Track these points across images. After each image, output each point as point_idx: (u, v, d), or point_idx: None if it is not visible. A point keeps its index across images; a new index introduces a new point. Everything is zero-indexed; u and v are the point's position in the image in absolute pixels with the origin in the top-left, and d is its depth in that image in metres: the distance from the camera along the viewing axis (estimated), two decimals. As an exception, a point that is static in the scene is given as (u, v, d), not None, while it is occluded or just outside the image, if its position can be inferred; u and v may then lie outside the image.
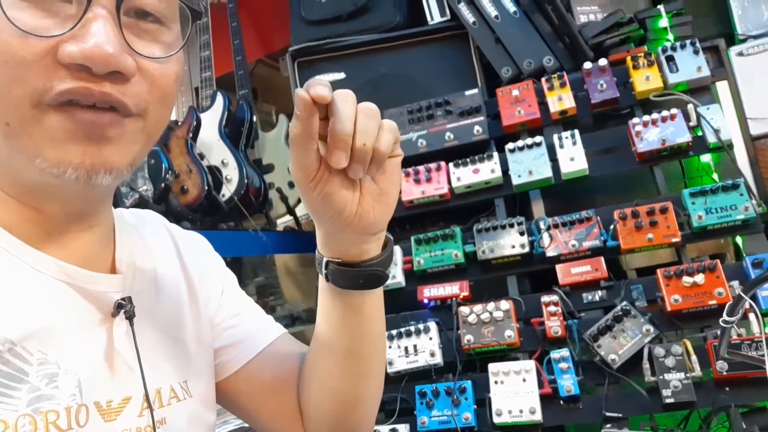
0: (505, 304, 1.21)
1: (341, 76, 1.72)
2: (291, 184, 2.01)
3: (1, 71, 0.44)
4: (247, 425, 0.88)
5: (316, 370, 0.68)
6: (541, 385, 1.12)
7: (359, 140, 0.51)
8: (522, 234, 1.27)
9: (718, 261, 1.10)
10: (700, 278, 1.08)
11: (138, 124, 0.50)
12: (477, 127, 1.44)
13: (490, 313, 1.20)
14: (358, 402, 0.69)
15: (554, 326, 1.16)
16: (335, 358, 0.66)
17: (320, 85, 0.49)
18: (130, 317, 0.56)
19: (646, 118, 1.27)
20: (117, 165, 0.49)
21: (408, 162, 1.46)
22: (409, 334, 1.25)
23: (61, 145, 0.46)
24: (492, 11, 1.54)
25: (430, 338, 1.23)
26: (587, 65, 1.37)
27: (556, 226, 1.26)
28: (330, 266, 0.60)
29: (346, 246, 0.59)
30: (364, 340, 0.65)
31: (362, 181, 0.55)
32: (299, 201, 2.02)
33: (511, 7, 1.53)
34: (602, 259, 1.21)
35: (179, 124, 1.84)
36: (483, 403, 1.15)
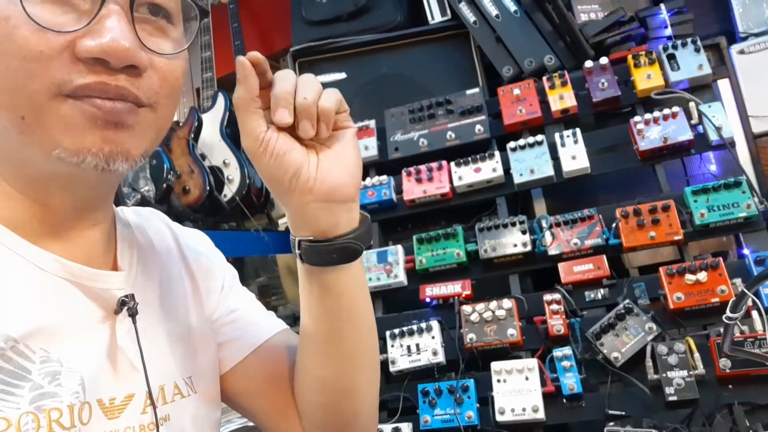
0: (507, 303, 1.21)
1: (342, 76, 1.72)
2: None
3: (19, 66, 0.45)
4: (251, 425, 0.88)
5: (303, 361, 0.67)
6: (543, 383, 1.12)
7: (300, 94, 0.54)
8: (524, 233, 1.27)
9: (721, 259, 1.09)
10: (702, 276, 1.08)
11: (150, 115, 0.51)
12: (478, 126, 1.44)
13: (493, 312, 1.20)
14: (348, 391, 0.67)
15: (557, 324, 1.16)
16: (318, 345, 0.65)
17: (255, 54, 0.54)
18: (132, 314, 0.56)
19: (647, 116, 1.27)
20: (133, 152, 0.50)
21: (410, 161, 1.46)
22: (411, 333, 1.25)
23: (79, 132, 0.47)
24: (493, 10, 1.54)
25: (433, 337, 1.23)
26: (588, 64, 1.37)
27: (558, 224, 1.26)
28: (302, 245, 0.59)
29: (316, 220, 0.58)
30: (346, 323, 0.64)
31: (318, 148, 0.58)
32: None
33: (512, 6, 1.53)
34: (604, 257, 1.21)
35: (180, 124, 1.84)
36: (486, 401, 1.15)
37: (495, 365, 1.16)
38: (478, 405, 1.15)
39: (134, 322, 0.56)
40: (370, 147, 1.51)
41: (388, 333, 1.26)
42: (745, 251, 1.15)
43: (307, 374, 0.67)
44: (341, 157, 0.58)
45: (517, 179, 1.34)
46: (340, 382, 0.66)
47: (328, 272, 0.60)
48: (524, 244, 1.26)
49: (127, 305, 0.56)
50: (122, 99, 0.48)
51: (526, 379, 1.12)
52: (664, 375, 1.04)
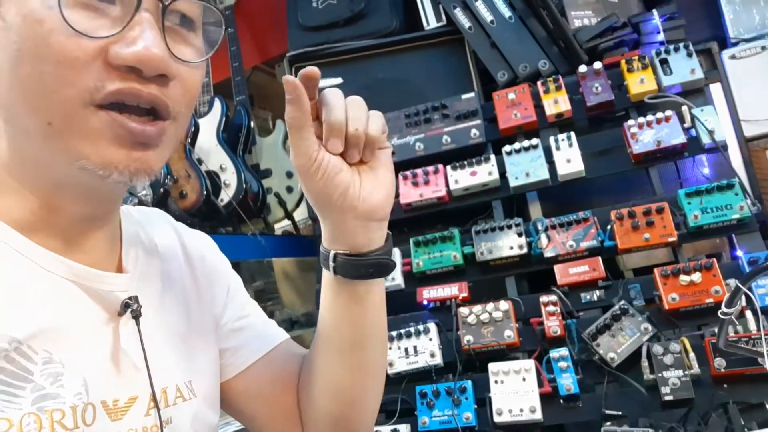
0: (504, 305, 1.21)
1: (338, 80, 1.72)
2: (289, 189, 2.01)
3: (53, 71, 0.45)
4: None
5: (318, 367, 0.68)
6: (540, 384, 1.13)
7: (351, 126, 0.56)
8: (520, 235, 1.28)
9: (714, 260, 1.11)
10: (696, 277, 1.09)
11: (173, 128, 0.52)
12: (474, 131, 1.46)
13: (490, 314, 1.21)
14: (359, 400, 0.69)
15: (553, 326, 1.17)
16: (338, 353, 0.67)
17: (308, 68, 0.55)
18: (136, 316, 0.56)
19: (641, 120, 1.29)
20: (155, 168, 0.51)
21: (406, 165, 1.47)
22: (409, 335, 1.25)
23: (106, 148, 0.47)
24: (487, 16, 1.55)
25: (430, 339, 1.24)
26: (582, 68, 1.38)
27: (553, 227, 1.27)
28: (338, 258, 0.61)
29: (353, 236, 0.60)
30: (368, 332, 0.66)
31: (360, 168, 0.59)
32: (297, 206, 2.02)
33: (507, 12, 1.55)
34: (600, 259, 1.22)
35: (177, 129, 1.84)
36: (483, 402, 1.16)
37: (492, 366, 1.16)
38: (475, 406, 1.16)
39: (138, 325, 0.57)
40: (366, 151, 1.52)
41: (385, 336, 1.27)
42: (739, 253, 1.16)
43: (322, 379, 0.68)
44: (380, 178, 0.60)
45: (513, 182, 1.35)
46: (353, 390, 0.68)
47: (360, 285, 0.63)
48: (520, 247, 1.27)
49: (130, 307, 0.56)
50: (149, 107, 0.48)
51: (524, 380, 1.13)
52: (660, 375, 1.05)
